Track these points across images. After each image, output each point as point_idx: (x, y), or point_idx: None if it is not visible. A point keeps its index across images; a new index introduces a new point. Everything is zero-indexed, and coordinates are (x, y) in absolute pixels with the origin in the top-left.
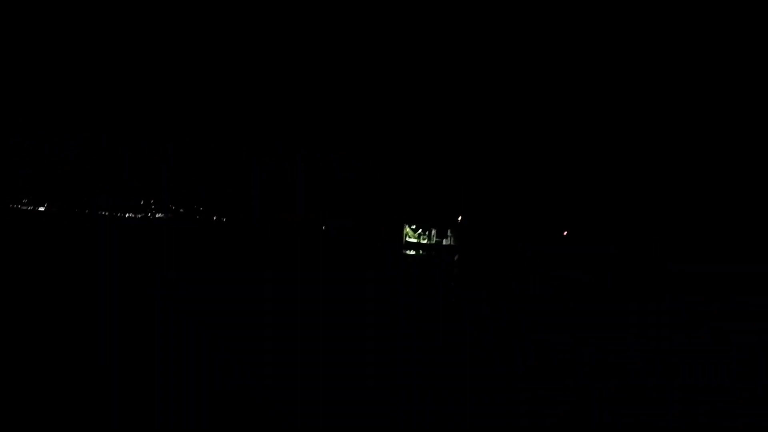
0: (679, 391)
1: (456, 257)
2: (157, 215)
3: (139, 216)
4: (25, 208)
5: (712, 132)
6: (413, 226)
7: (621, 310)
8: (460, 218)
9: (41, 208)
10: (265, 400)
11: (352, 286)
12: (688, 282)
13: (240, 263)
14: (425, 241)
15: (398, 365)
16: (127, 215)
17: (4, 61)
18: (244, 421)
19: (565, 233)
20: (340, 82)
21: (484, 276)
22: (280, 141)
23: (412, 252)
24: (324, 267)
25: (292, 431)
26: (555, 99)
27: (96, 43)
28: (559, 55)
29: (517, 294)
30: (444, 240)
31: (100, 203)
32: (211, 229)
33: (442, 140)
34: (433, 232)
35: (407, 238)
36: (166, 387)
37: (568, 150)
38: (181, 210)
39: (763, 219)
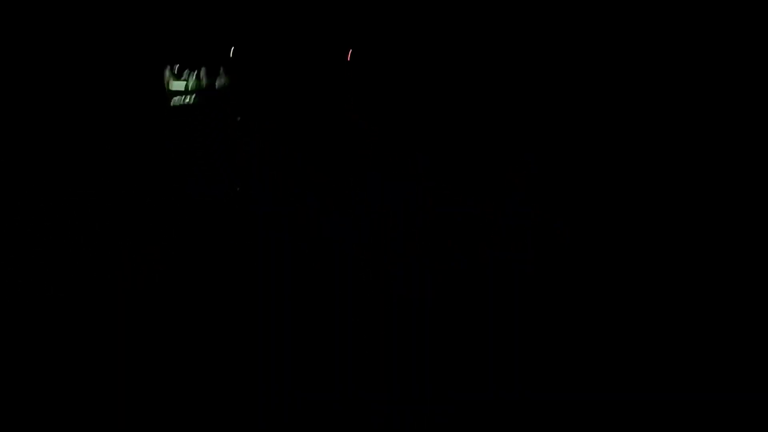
0: None
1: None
2: None
3: None
4: None
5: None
6: (176, 68)
7: None
8: (233, 50)
9: None
10: None
11: None
12: None
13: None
14: (193, 86)
15: None
16: None
17: None
18: None
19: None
20: None
21: None
22: None
23: (180, 100)
24: None
25: None
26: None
27: None
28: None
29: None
30: (217, 81)
31: None
32: None
33: None
34: (203, 71)
35: (170, 87)
36: None
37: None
38: None
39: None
